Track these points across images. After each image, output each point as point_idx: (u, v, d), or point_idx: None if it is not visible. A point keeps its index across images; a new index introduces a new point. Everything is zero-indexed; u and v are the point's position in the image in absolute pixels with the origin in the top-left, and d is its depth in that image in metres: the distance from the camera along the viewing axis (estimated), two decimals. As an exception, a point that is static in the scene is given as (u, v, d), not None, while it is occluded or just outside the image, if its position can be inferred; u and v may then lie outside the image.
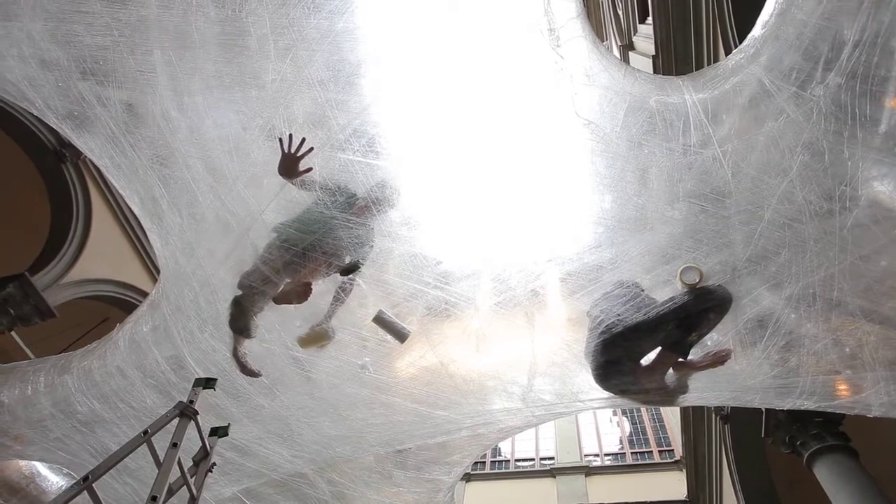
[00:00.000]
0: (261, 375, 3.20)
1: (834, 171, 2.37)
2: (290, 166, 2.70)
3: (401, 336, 3.11)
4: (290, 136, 2.68)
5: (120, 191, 3.05)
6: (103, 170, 2.98)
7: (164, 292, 3.32)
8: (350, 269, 2.96)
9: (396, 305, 3.15)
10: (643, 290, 2.77)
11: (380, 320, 3.07)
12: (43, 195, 6.31)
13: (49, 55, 2.55)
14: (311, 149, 2.71)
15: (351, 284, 3.04)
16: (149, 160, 2.83)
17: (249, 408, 3.40)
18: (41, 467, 4.07)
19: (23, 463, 4.03)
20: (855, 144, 2.29)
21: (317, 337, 3.07)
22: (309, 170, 2.73)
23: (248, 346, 3.21)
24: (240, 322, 3.03)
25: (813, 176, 2.43)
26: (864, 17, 2.13)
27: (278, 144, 2.69)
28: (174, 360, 3.28)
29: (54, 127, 2.79)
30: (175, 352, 3.25)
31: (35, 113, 2.73)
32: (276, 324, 3.19)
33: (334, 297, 3.08)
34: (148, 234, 3.19)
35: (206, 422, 3.13)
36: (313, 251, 2.86)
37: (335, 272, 3.00)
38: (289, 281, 2.98)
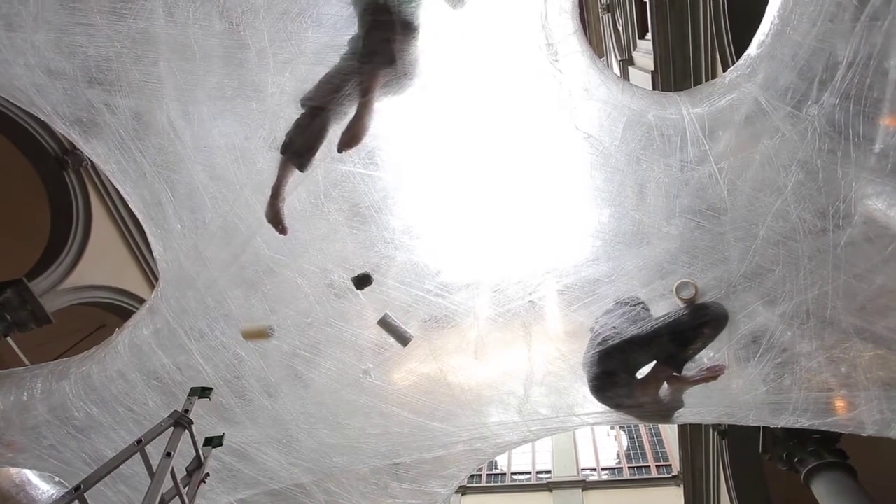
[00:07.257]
0: (287, 234, 2.77)
1: (828, 190, 2.40)
2: None
3: (403, 340, 3.19)
4: None
5: (124, 195, 3.05)
6: (109, 174, 2.97)
7: (163, 296, 3.31)
8: (362, 281, 3.03)
9: (397, 312, 3.18)
10: (640, 303, 2.79)
11: (384, 323, 3.17)
12: (43, 201, 6.32)
13: (55, 64, 2.56)
14: None
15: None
16: (157, 165, 2.84)
17: (252, 409, 3.41)
18: (32, 475, 4.02)
19: (13, 471, 3.98)
20: (848, 164, 2.32)
21: (259, 332, 3.14)
22: None
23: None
24: (301, 139, 2.52)
25: (807, 194, 2.46)
26: (856, 39, 2.17)
27: None
28: (179, 361, 3.28)
29: (62, 132, 2.80)
30: (181, 352, 3.26)
31: (43, 118, 2.73)
32: (287, 320, 3.21)
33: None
34: (150, 238, 3.18)
35: (209, 423, 3.14)
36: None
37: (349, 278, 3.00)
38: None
